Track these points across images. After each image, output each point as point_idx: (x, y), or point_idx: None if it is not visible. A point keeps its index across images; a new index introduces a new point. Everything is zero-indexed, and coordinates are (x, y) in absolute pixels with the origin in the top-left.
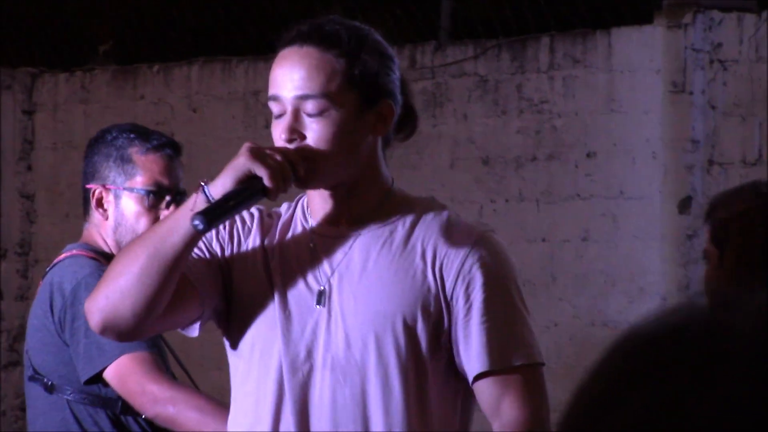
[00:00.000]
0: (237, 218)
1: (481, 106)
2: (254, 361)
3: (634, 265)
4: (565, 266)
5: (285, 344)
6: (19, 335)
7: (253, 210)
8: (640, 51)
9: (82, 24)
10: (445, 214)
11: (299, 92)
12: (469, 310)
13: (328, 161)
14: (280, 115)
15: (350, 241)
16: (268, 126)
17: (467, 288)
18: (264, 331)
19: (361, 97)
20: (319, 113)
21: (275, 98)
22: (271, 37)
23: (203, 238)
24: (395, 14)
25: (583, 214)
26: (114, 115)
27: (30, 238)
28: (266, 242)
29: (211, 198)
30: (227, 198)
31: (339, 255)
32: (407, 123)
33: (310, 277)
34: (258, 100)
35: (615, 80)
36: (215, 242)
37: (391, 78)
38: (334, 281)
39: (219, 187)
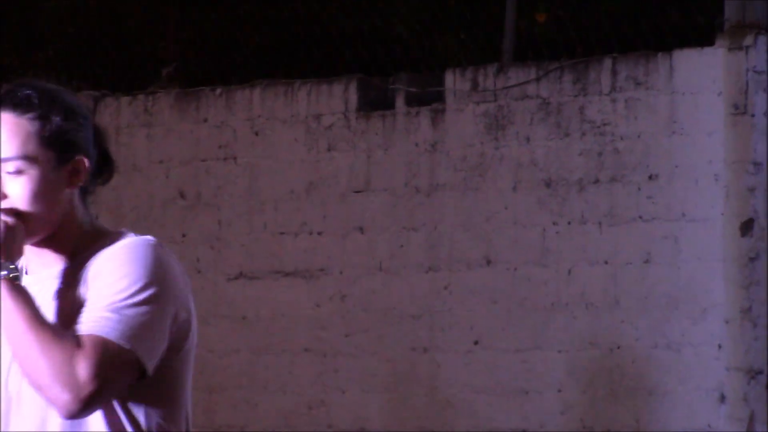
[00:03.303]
0: None
1: (544, 129)
2: None
3: (697, 287)
4: (627, 288)
5: (4, 389)
6: None
7: None
8: (702, 73)
9: (145, 47)
10: (117, 241)
11: None
12: None
13: (31, 218)
14: None
15: (46, 285)
16: (330, 149)
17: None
18: None
19: (55, 155)
20: (18, 174)
21: None
22: (333, 60)
23: None
24: (458, 37)
25: (645, 236)
26: (177, 138)
27: None
28: None
29: None
30: None
31: (40, 297)
32: (105, 169)
33: None
34: (320, 123)
35: (677, 102)
36: None
37: (82, 134)
38: None
39: None
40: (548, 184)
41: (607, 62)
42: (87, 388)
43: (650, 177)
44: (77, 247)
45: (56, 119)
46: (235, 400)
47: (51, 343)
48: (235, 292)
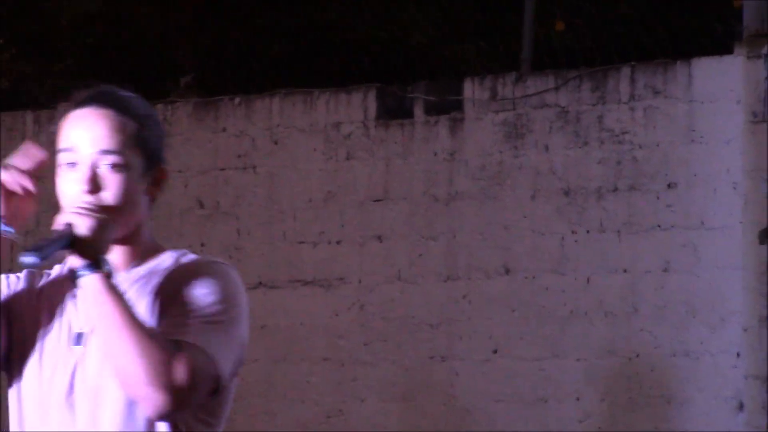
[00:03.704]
0: (11, 275)
1: (562, 137)
2: (25, 404)
3: (715, 296)
4: (646, 297)
5: (39, 386)
6: None
7: (24, 270)
8: (720, 81)
9: (163, 56)
10: (182, 256)
11: (100, 147)
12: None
13: (120, 216)
14: (72, 165)
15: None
16: (349, 158)
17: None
18: (27, 375)
19: (145, 160)
20: (116, 169)
21: (72, 150)
22: (352, 68)
23: None
24: (477, 45)
25: (663, 244)
26: (195, 147)
27: None
28: (35, 295)
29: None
30: (50, 242)
31: None
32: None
33: (71, 322)
34: (339, 132)
35: (695, 110)
36: None
37: (164, 147)
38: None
39: None
40: (567, 193)
41: (626, 71)
42: (181, 392)
43: (669, 185)
44: (143, 255)
45: (150, 126)
46: (254, 409)
47: (150, 343)
48: (254, 301)
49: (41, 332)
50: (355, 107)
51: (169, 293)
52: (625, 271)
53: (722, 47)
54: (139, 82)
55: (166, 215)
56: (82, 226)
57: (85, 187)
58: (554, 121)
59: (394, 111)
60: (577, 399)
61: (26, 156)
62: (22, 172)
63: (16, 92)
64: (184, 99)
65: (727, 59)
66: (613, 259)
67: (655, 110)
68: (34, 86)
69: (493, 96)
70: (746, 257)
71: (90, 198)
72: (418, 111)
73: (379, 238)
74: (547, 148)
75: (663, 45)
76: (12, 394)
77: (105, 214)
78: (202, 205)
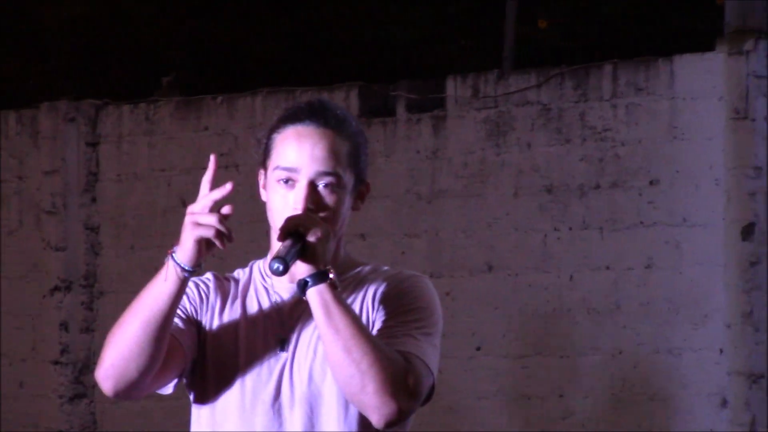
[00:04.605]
0: (198, 280)
1: (545, 135)
2: (222, 411)
3: (698, 292)
4: (629, 294)
5: (253, 391)
6: (85, 367)
7: (209, 275)
8: (702, 78)
9: (145, 56)
10: (379, 267)
11: (319, 168)
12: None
13: (334, 231)
14: (287, 182)
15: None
16: None
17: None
18: (224, 381)
19: (355, 178)
20: (332, 188)
21: (292, 169)
22: (334, 67)
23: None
24: (459, 43)
25: (646, 241)
26: (178, 146)
27: (95, 270)
28: (228, 301)
29: (182, 266)
30: (289, 249)
31: (300, 307)
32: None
33: (275, 327)
34: None
35: (677, 107)
36: (187, 301)
37: (368, 162)
38: (297, 328)
39: (182, 253)
40: (549, 190)
41: (608, 68)
42: (411, 402)
43: (651, 182)
44: (344, 267)
45: (362, 144)
46: None
47: (383, 354)
48: None
49: (242, 339)
50: None
51: (383, 303)
52: (607, 268)
53: (704, 44)
54: (121, 82)
55: (150, 214)
56: (314, 237)
57: (303, 205)
58: (536, 119)
59: (376, 109)
60: (561, 396)
61: (219, 195)
62: (223, 218)
63: None
64: (167, 98)
65: (709, 56)
66: (596, 256)
67: (638, 107)
68: (17, 86)
69: (476, 94)
70: (729, 254)
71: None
72: (401, 109)
73: (363, 236)
74: (529, 145)
75: (645, 42)
76: (201, 398)
77: (327, 228)
78: (185, 204)
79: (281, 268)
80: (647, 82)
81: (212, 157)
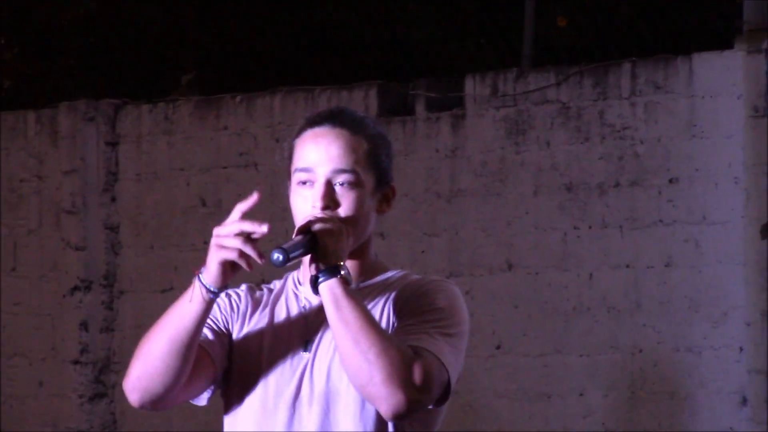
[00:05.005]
0: (231, 291)
1: (564, 133)
2: (245, 413)
3: (718, 290)
4: (648, 292)
5: (276, 391)
6: (105, 367)
7: (243, 286)
8: (721, 76)
9: (164, 55)
10: (409, 275)
11: (335, 166)
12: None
13: (353, 230)
14: (305, 183)
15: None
16: None
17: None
18: (250, 385)
19: (376, 178)
20: (350, 186)
21: (308, 170)
22: (353, 66)
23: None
24: (478, 42)
25: (666, 239)
26: (197, 145)
27: (115, 269)
28: (258, 309)
29: (207, 287)
30: (295, 243)
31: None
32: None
33: (300, 330)
34: None
35: (696, 105)
36: (218, 311)
37: (392, 166)
38: (321, 330)
39: (208, 275)
40: (569, 189)
41: (627, 66)
42: (418, 393)
43: (670, 180)
44: (370, 271)
45: (381, 145)
46: None
47: (389, 345)
48: None
49: (267, 343)
50: (356, 104)
51: (403, 305)
52: (627, 266)
53: (723, 42)
54: (140, 81)
55: (169, 214)
56: (325, 233)
57: (321, 203)
58: (555, 117)
59: (395, 108)
60: (581, 395)
61: (249, 222)
62: (249, 241)
63: (18, 92)
64: (186, 97)
65: (727, 54)
66: (616, 254)
67: (656, 105)
68: (36, 86)
69: (494, 92)
70: (748, 252)
71: (326, 213)
72: (420, 108)
73: (382, 235)
74: (548, 144)
75: (664, 40)
76: (229, 404)
77: (343, 225)
78: (204, 203)
79: (281, 258)
80: (666, 80)
81: (255, 194)
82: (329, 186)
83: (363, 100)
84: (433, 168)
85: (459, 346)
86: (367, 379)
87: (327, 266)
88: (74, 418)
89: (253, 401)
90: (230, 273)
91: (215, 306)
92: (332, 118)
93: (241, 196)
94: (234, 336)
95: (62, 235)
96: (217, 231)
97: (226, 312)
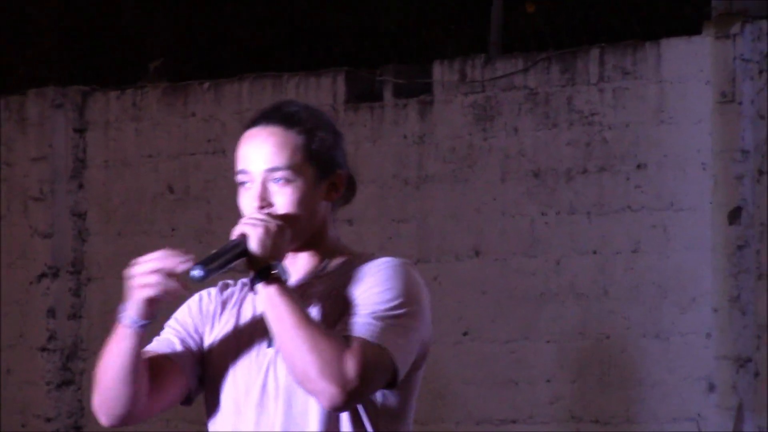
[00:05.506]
0: (203, 293)
1: (532, 119)
2: (222, 412)
3: (685, 276)
4: (616, 278)
5: (245, 388)
6: (72, 354)
7: (219, 282)
8: (690, 62)
9: (132, 42)
10: (369, 256)
11: (268, 165)
12: None
13: (294, 225)
14: (245, 184)
15: (302, 289)
16: None
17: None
18: (226, 382)
19: (317, 168)
20: (285, 183)
21: (244, 172)
22: (321, 52)
23: (174, 315)
24: (445, 28)
25: (633, 225)
26: (165, 132)
27: (82, 256)
28: (227, 308)
29: (135, 322)
30: (218, 254)
31: None
32: (350, 189)
33: (265, 328)
34: None
35: (665, 91)
36: (188, 316)
37: (340, 151)
38: None
39: (133, 311)
40: (537, 175)
41: (595, 52)
42: (353, 384)
43: (638, 166)
44: (325, 258)
45: (320, 135)
46: None
47: (321, 340)
48: None
49: (235, 343)
50: (324, 91)
51: (349, 292)
52: (595, 252)
53: (691, 28)
54: (108, 68)
55: (137, 200)
56: (252, 236)
57: (256, 203)
58: (523, 103)
59: (363, 94)
60: (548, 381)
61: (168, 257)
62: (168, 276)
63: None
64: (154, 84)
65: (696, 40)
66: (584, 240)
67: (625, 91)
68: (4, 72)
69: (462, 78)
70: (716, 238)
71: (262, 212)
72: (388, 94)
73: (350, 221)
74: (516, 130)
75: (632, 26)
76: (207, 405)
77: (280, 222)
78: (172, 190)
79: (201, 274)
80: (634, 65)
81: (179, 284)
82: (263, 186)
83: (331, 87)
84: (401, 154)
85: (409, 327)
86: (303, 375)
87: (257, 268)
88: (42, 405)
89: (227, 402)
90: (157, 304)
91: (186, 309)
92: (265, 117)
93: (210, 183)
94: (205, 339)
95: (30, 222)
96: (134, 270)
97: (196, 317)
